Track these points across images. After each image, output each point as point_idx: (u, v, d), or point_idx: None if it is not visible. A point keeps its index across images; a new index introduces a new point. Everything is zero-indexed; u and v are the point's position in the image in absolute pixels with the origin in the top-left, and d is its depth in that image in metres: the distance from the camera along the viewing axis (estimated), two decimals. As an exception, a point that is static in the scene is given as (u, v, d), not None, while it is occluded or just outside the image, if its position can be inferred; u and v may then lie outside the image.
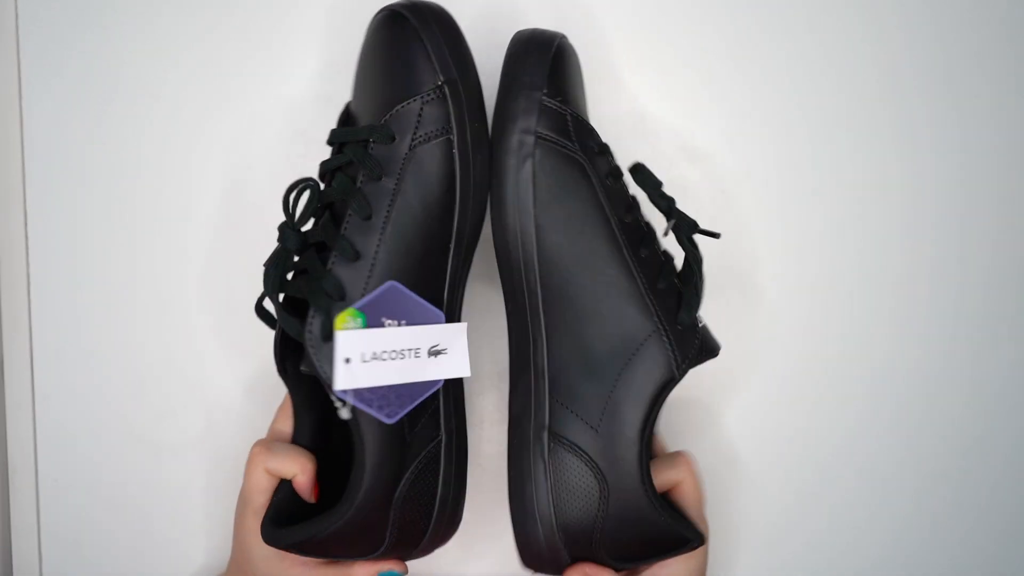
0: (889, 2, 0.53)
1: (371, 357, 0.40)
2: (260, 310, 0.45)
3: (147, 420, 0.52)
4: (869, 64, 0.53)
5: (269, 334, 0.52)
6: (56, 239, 0.52)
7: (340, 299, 0.40)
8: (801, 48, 0.53)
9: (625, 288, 0.43)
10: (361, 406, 0.40)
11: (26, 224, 0.52)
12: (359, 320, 0.40)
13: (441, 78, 0.42)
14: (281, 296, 0.42)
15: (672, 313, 0.43)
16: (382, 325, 0.41)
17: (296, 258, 0.42)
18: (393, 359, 0.41)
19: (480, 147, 0.43)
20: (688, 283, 0.44)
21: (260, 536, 0.43)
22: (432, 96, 0.42)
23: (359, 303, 0.40)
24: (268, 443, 0.44)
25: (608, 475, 0.42)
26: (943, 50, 0.53)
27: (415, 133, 0.42)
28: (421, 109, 0.42)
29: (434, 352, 0.42)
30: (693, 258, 0.44)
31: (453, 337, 0.42)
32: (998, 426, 0.54)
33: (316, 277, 0.40)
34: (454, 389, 0.45)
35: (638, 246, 0.43)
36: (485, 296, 0.51)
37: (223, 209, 0.52)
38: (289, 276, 0.42)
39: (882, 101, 0.53)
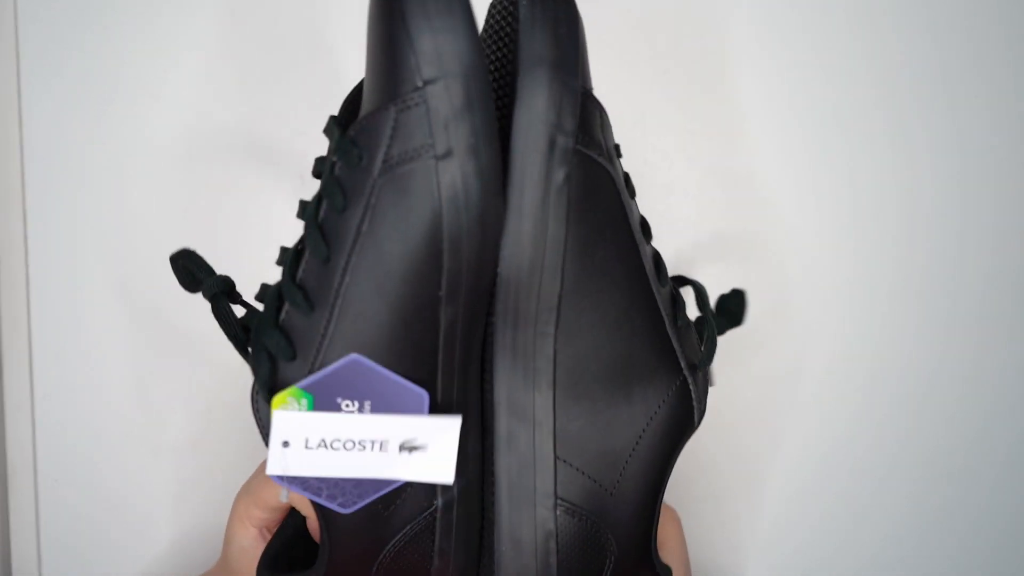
0: (885, 3, 0.53)
1: (317, 444, 0.32)
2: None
3: (147, 420, 0.52)
4: (868, 65, 0.53)
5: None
6: (56, 239, 0.52)
7: (291, 359, 0.32)
8: (801, 48, 0.53)
9: (653, 329, 0.35)
10: (305, 494, 0.33)
11: (25, 224, 0.52)
12: (304, 401, 0.32)
13: (422, 78, 0.29)
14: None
15: (691, 355, 0.36)
16: (337, 408, 0.32)
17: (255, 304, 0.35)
18: (348, 450, 0.32)
19: (483, 167, 0.30)
20: (705, 317, 0.37)
21: (244, 528, 0.41)
22: (411, 102, 0.29)
23: (304, 382, 0.31)
24: None
25: (619, 543, 0.36)
26: (939, 51, 0.53)
27: (388, 151, 0.30)
28: (396, 119, 0.30)
29: (407, 447, 0.32)
30: (701, 294, 0.38)
31: (437, 432, 0.32)
32: (997, 425, 0.54)
33: (260, 332, 0.33)
34: (472, 443, 0.35)
35: (658, 276, 0.35)
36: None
37: (223, 209, 0.52)
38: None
39: (878, 103, 0.53)
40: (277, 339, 0.32)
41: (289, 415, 0.31)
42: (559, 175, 0.31)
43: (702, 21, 0.53)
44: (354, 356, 0.31)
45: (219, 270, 0.52)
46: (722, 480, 0.53)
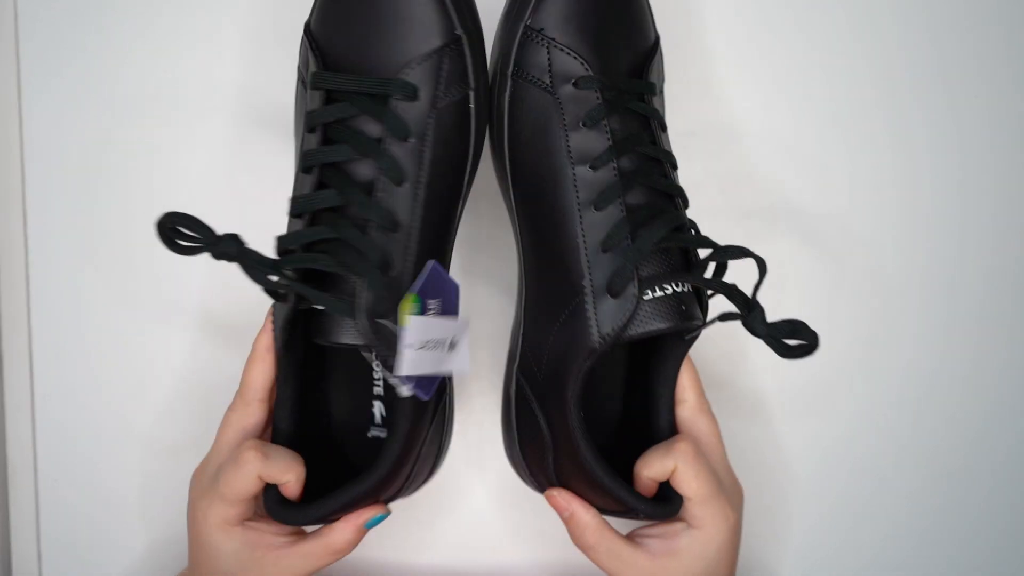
0: (884, 3, 0.53)
1: (422, 345, 0.37)
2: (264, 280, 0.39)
3: (147, 420, 0.52)
4: (867, 64, 0.53)
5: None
6: (56, 239, 0.52)
7: (385, 272, 0.38)
8: (800, 48, 0.53)
9: (572, 244, 0.40)
10: (415, 390, 0.38)
11: (26, 224, 0.52)
12: (417, 306, 0.38)
13: (459, 29, 0.39)
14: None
15: (614, 282, 0.39)
16: (427, 310, 0.38)
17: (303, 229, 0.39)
18: (430, 349, 0.38)
19: (486, 101, 0.41)
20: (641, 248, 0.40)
21: (227, 533, 0.41)
22: (452, 49, 0.39)
23: (415, 287, 0.37)
24: (263, 447, 0.40)
25: (553, 428, 0.41)
26: (939, 49, 0.53)
27: (436, 89, 0.39)
28: (441, 63, 0.39)
29: (451, 345, 0.39)
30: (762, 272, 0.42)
31: (462, 332, 0.39)
32: (997, 426, 0.54)
33: (358, 248, 0.37)
34: None
35: (595, 202, 0.40)
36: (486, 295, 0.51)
37: (223, 209, 0.52)
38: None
39: (878, 101, 0.53)
40: (380, 253, 0.37)
41: (417, 320, 0.36)
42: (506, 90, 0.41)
43: (701, 21, 0.53)
44: (433, 262, 0.38)
45: (219, 268, 0.52)
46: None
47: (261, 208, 0.52)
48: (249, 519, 0.41)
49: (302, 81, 0.43)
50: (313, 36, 0.42)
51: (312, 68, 0.41)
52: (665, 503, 0.41)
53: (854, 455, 0.54)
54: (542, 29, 0.41)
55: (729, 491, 0.42)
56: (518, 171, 0.42)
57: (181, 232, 0.37)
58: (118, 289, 0.52)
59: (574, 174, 0.40)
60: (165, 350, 0.52)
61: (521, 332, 0.43)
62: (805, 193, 0.53)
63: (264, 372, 0.42)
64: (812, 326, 0.53)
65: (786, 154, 0.53)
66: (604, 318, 0.39)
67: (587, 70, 0.40)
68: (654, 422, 0.43)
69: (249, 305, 0.53)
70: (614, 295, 0.39)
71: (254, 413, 0.42)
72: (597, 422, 0.44)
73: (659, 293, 0.39)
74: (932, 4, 0.53)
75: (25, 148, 0.52)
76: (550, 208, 0.41)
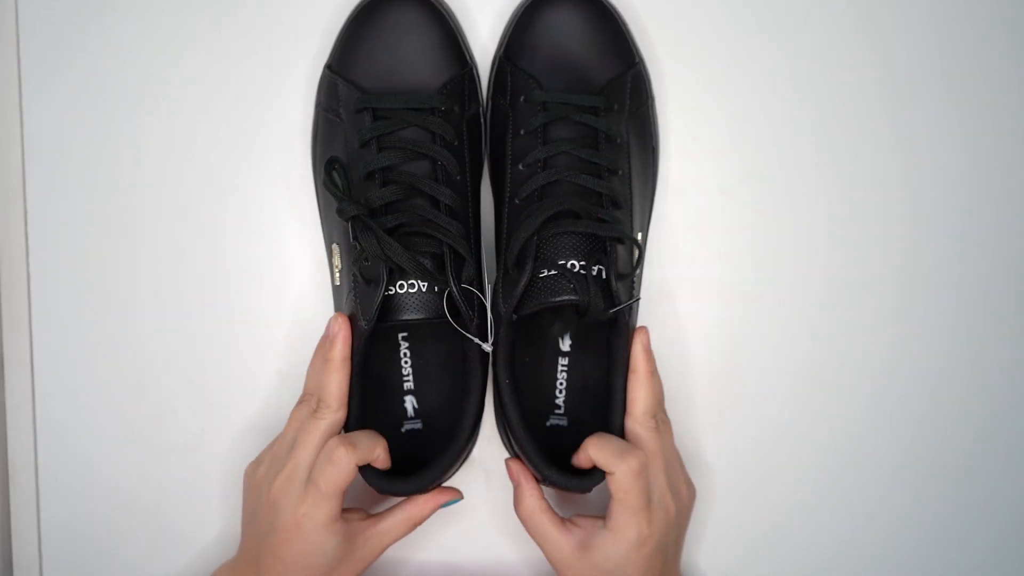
0: (889, 1, 0.53)
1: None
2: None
3: (147, 420, 0.52)
4: (868, 63, 0.53)
5: (269, 334, 0.52)
6: (56, 239, 0.52)
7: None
8: (800, 48, 0.53)
9: (499, 229, 0.48)
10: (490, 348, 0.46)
11: (26, 224, 0.52)
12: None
13: (469, 59, 0.49)
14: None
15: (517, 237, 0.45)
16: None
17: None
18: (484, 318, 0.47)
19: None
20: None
21: (332, 529, 0.43)
22: (467, 74, 0.49)
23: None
24: (347, 439, 0.43)
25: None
26: (942, 49, 0.53)
27: (463, 105, 0.49)
28: (463, 84, 0.48)
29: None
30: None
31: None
32: (1000, 426, 0.53)
33: (443, 225, 0.45)
34: None
35: (521, 192, 0.47)
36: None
37: (223, 209, 0.52)
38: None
39: (881, 100, 0.53)
40: (456, 228, 0.45)
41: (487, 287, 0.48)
42: None
43: (703, 20, 0.53)
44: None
45: (219, 268, 0.53)
46: (724, 480, 0.53)
47: (261, 208, 0.52)
48: (339, 512, 0.44)
49: (326, 110, 0.49)
50: (341, 73, 0.48)
51: (354, 95, 0.48)
52: (578, 478, 0.45)
53: (855, 455, 0.53)
54: (511, 58, 0.49)
55: (656, 507, 0.44)
56: (490, 171, 0.50)
57: (334, 175, 0.44)
58: (118, 289, 0.52)
59: (510, 171, 0.48)
60: (165, 350, 0.52)
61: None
62: (806, 193, 0.53)
63: (343, 380, 0.45)
64: (812, 326, 0.53)
65: (787, 154, 0.53)
66: (507, 291, 0.45)
67: (538, 87, 0.48)
68: (609, 417, 0.46)
69: (249, 305, 0.53)
70: (519, 270, 0.45)
71: (342, 418, 0.45)
72: (584, 400, 0.49)
73: (552, 272, 0.44)
74: (935, 3, 0.53)
75: (26, 148, 0.52)
76: (497, 200, 0.49)
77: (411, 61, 0.48)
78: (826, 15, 0.53)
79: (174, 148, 0.52)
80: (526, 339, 0.49)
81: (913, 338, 0.53)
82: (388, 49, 0.48)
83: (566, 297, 0.44)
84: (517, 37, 0.49)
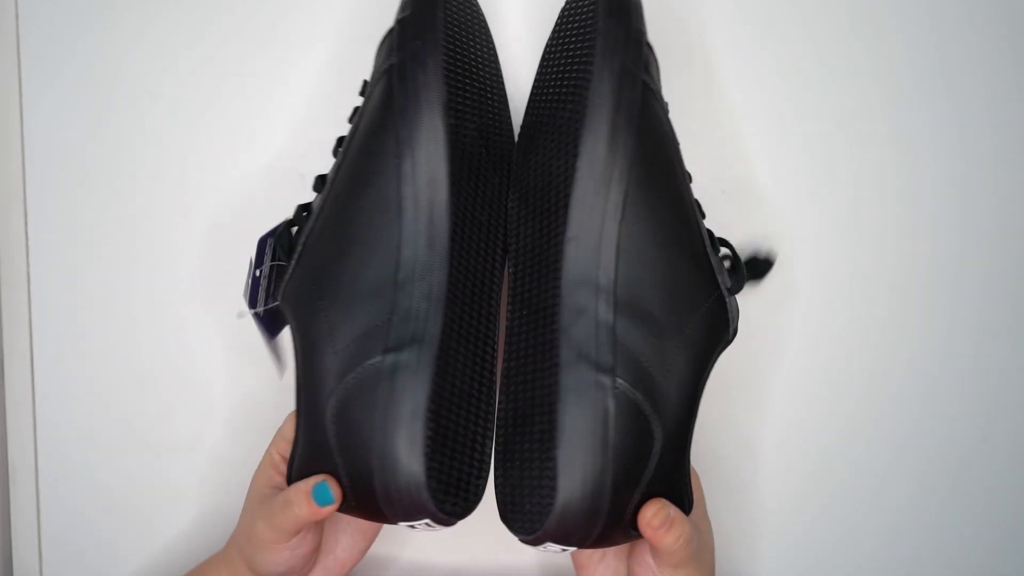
0: (887, 2, 0.53)
1: None
2: None
3: (147, 420, 0.52)
4: (868, 64, 0.53)
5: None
6: (56, 239, 0.52)
7: None
8: (800, 48, 0.53)
9: (698, 248, 0.43)
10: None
11: (26, 224, 0.52)
12: None
13: None
14: None
15: (724, 280, 0.43)
16: None
17: None
18: None
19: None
20: (734, 255, 0.45)
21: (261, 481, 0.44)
22: None
23: None
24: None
25: (665, 433, 0.39)
26: (941, 50, 0.53)
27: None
28: None
29: None
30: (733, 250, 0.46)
31: None
32: (998, 425, 0.53)
33: None
34: (436, 288, 0.40)
35: (699, 208, 0.45)
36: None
37: (223, 209, 0.52)
38: None
39: (880, 102, 0.53)
40: None
41: None
42: (629, 93, 0.41)
43: (702, 20, 0.53)
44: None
45: (219, 268, 0.53)
46: (722, 478, 0.53)
47: (261, 207, 0.52)
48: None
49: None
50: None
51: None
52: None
53: (854, 455, 0.53)
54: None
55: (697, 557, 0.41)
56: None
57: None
58: (118, 289, 0.52)
59: None
60: (165, 350, 0.52)
61: (615, 347, 0.40)
62: (807, 193, 0.53)
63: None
64: (812, 325, 0.53)
65: (788, 154, 0.53)
66: (732, 312, 0.44)
67: None
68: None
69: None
70: (732, 293, 0.44)
71: None
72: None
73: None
74: (935, 3, 0.53)
75: (26, 148, 0.52)
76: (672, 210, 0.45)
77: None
78: (826, 16, 0.53)
79: (174, 148, 0.52)
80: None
81: (912, 338, 0.53)
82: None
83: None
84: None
